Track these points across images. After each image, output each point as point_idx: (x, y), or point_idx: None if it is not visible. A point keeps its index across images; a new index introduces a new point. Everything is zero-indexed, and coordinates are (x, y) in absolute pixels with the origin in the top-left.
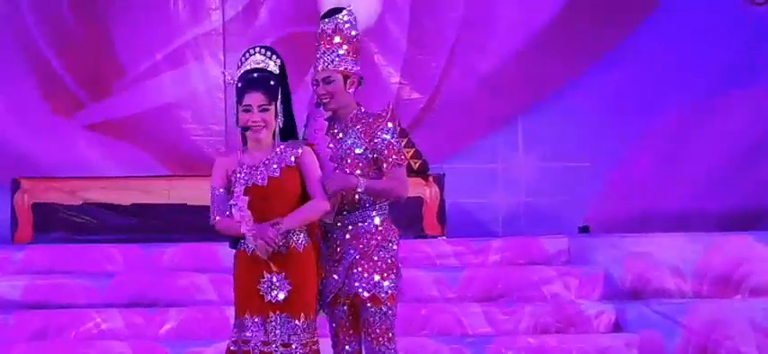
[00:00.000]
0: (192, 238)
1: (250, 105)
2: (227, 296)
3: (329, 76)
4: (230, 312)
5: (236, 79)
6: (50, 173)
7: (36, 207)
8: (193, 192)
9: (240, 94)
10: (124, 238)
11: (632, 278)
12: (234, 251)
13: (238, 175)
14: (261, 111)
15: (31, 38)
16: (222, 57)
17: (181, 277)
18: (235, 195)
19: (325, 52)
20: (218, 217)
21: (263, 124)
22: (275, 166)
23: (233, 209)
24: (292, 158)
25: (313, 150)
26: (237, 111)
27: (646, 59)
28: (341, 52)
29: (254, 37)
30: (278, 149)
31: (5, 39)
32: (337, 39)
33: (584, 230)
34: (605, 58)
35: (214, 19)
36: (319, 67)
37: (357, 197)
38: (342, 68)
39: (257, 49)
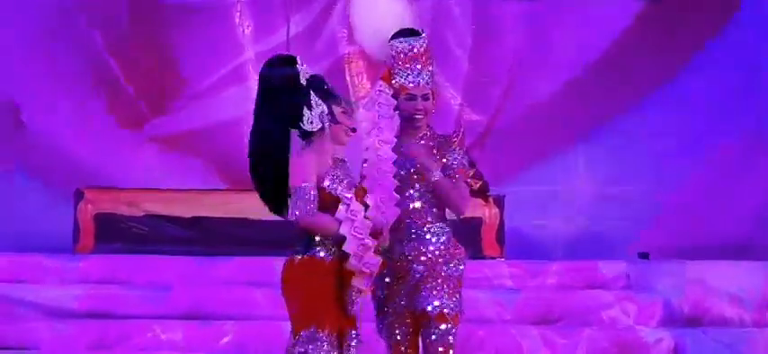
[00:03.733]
0: (250, 252)
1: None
2: (283, 312)
3: (428, 94)
4: (287, 326)
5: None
6: (113, 184)
7: (98, 218)
8: (253, 206)
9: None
10: (184, 250)
11: (691, 306)
12: (301, 257)
13: (337, 178)
14: None
15: (96, 52)
16: None
17: (239, 290)
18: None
19: (420, 71)
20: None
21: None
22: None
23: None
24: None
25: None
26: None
27: (705, 84)
28: (430, 72)
29: (318, 54)
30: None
31: (71, 52)
32: (428, 59)
33: (644, 256)
34: (664, 85)
35: (278, 36)
36: (419, 83)
37: (418, 206)
38: (432, 87)
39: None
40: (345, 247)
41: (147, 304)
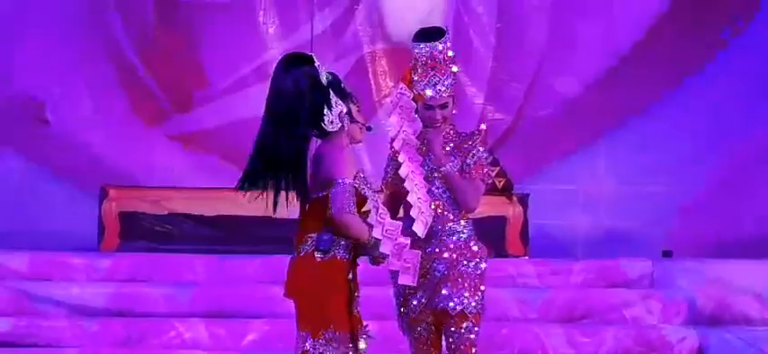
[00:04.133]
0: (275, 250)
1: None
2: None
3: (446, 103)
4: None
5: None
6: (136, 182)
7: (122, 216)
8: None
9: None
10: (208, 249)
11: (715, 304)
12: (321, 257)
13: (364, 179)
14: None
15: (120, 49)
16: None
17: (263, 289)
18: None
19: (439, 79)
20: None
21: None
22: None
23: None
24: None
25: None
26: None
27: (728, 82)
28: (451, 76)
29: (342, 52)
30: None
31: (95, 49)
32: (449, 64)
33: (668, 254)
34: (687, 83)
35: (302, 34)
36: (434, 94)
37: (441, 211)
38: (451, 92)
39: None
40: (381, 249)
41: (171, 302)
